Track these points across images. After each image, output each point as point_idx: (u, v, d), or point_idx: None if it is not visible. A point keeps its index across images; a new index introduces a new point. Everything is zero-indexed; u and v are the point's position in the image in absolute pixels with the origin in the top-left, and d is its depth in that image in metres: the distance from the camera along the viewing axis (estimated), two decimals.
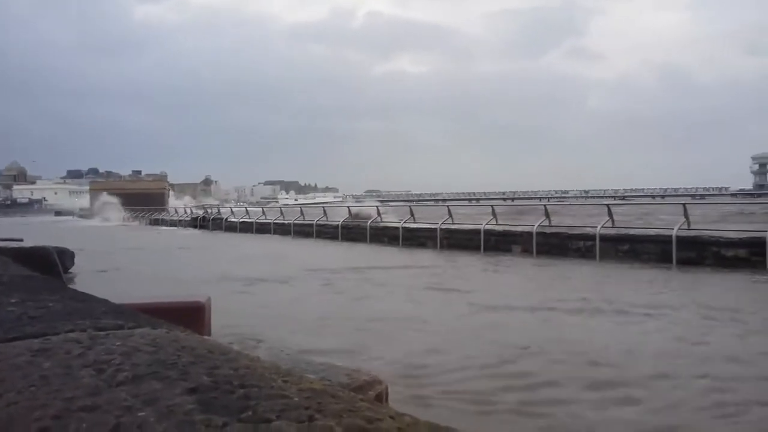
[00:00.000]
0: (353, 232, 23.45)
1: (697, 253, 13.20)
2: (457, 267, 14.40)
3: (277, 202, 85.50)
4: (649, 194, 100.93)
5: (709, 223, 17.02)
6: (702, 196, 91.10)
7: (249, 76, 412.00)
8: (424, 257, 16.62)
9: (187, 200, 77.68)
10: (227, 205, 62.27)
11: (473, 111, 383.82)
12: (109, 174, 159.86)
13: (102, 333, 1.52)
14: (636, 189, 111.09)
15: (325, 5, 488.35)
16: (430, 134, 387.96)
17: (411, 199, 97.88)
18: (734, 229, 14.65)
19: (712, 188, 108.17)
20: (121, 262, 16.09)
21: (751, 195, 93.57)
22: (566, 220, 19.31)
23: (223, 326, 5.52)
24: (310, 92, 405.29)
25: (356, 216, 25.61)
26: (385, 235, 21.80)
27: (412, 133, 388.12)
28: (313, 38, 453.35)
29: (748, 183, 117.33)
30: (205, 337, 2.38)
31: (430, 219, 21.66)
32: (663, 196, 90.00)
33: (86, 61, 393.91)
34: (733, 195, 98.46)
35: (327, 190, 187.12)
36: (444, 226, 19.63)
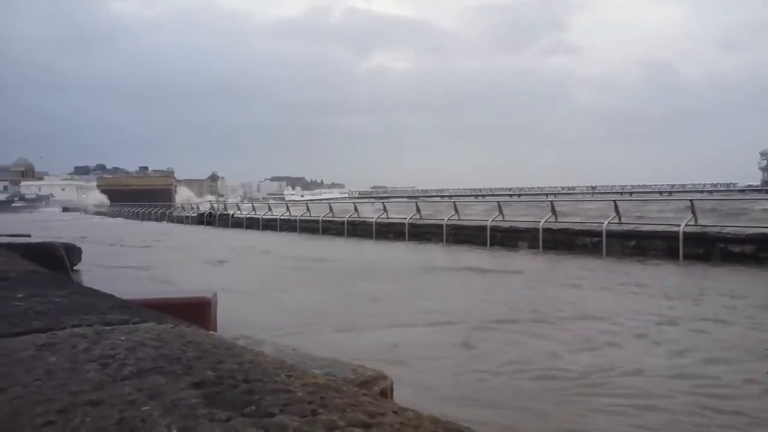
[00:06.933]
0: (359, 228, 23.48)
1: (705, 249, 13.15)
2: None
3: (283, 198, 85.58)
4: (656, 190, 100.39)
5: (717, 218, 16.88)
6: (710, 192, 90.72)
7: (235, 72, 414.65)
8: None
9: (194, 197, 78.11)
10: (231, 200, 62.04)
11: (460, 106, 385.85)
12: (116, 170, 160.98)
13: (107, 328, 1.52)
14: (643, 185, 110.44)
15: (299, 1, 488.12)
16: (422, 129, 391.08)
17: (416, 195, 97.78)
18: (741, 225, 14.53)
19: (720, 184, 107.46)
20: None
21: (759, 191, 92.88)
22: (573, 216, 19.24)
23: None
24: (298, 89, 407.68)
25: None
26: (390, 231, 21.80)
27: (405, 129, 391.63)
28: (290, 35, 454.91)
29: (756, 179, 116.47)
30: (210, 332, 2.39)
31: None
32: (670, 192, 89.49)
33: (67, 56, 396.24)
34: (741, 191, 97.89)
35: (333, 186, 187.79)
36: (450, 222, 19.63)
